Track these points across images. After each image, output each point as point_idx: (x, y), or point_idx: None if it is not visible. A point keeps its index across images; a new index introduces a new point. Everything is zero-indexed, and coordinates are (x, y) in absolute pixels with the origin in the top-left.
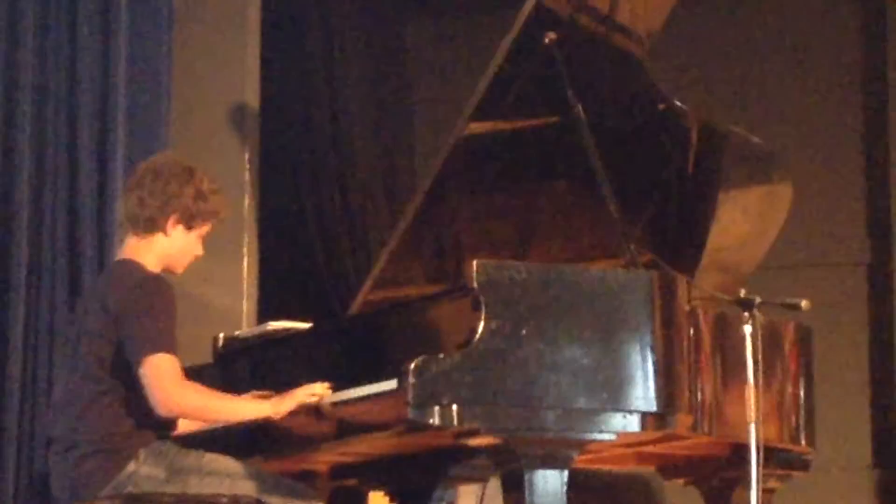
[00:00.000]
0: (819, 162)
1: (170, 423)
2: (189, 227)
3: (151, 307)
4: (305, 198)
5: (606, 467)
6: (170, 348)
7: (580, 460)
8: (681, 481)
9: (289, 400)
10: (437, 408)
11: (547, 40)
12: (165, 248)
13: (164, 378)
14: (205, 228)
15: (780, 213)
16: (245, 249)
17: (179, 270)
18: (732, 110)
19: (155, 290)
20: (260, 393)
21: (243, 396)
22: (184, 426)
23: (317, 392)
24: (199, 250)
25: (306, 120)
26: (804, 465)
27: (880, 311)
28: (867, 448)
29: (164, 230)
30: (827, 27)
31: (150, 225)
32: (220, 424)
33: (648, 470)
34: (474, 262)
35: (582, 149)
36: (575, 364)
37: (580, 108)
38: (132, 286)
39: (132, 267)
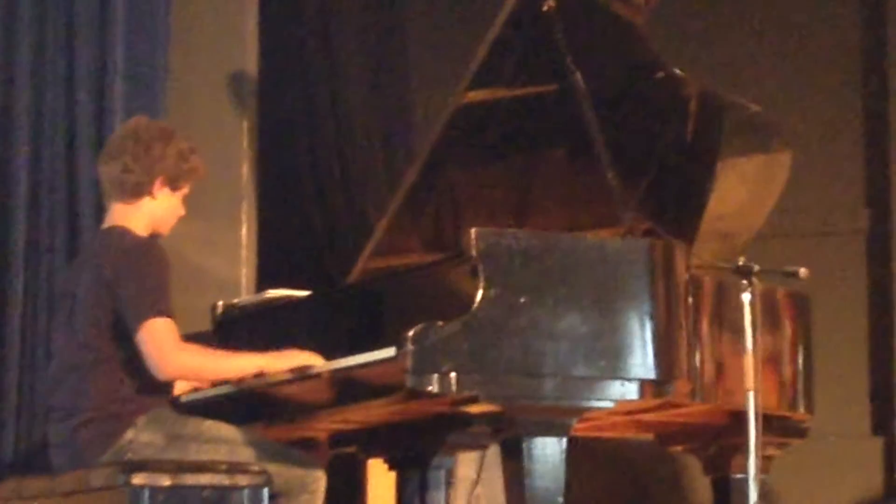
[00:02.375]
0: (817, 130)
1: (169, 389)
2: (174, 189)
3: (145, 272)
4: (303, 166)
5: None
6: (165, 312)
7: (582, 429)
8: (679, 448)
9: (286, 358)
10: (435, 375)
11: (545, 7)
12: (153, 211)
13: (161, 342)
14: (186, 188)
15: (779, 181)
16: (244, 217)
17: (166, 232)
18: (730, 80)
19: (147, 254)
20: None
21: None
22: (181, 387)
23: (314, 362)
24: (182, 211)
25: (304, 88)
26: (802, 433)
27: (879, 279)
28: (866, 416)
29: (151, 194)
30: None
31: (137, 190)
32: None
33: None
34: (472, 231)
35: (580, 117)
36: (573, 332)
37: (578, 75)
38: (124, 252)
39: (122, 233)
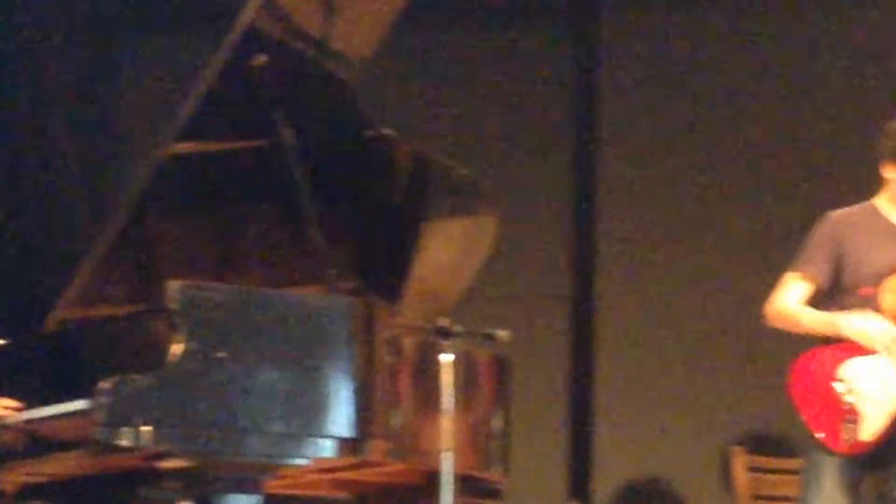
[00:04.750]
0: (524, 195)
1: None
2: None
3: None
4: (4, 212)
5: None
6: None
7: (279, 486)
8: None
9: None
10: (128, 428)
11: (257, 62)
12: None
13: None
14: None
15: (485, 244)
16: None
17: None
18: (442, 141)
19: None
20: None
21: None
22: None
23: (4, 409)
24: None
25: (7, 130)
26: (496, 495)
27: (580, 344)
28: (564, 479)
29: None
30: (539, 63)
31: None
32: None
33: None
34: (173, 283)
35: (288, 173)
36: (271, 388)
37: (288, 131)
38: None
39: None
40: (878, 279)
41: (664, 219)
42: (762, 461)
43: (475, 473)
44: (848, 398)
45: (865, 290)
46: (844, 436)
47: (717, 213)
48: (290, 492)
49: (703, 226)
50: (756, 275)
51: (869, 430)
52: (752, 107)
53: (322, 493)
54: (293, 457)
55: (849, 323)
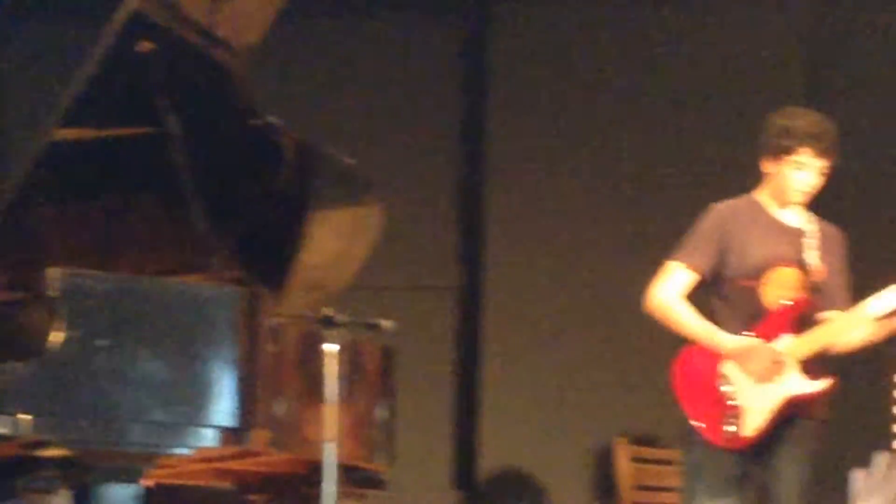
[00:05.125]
0: (411, 186)
1: None
2: None
3: None
4: None
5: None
6: None
7: (162, 476)
8: (259, 498)
9: None
10: (7, 417)
11: (141, 48)
12: None
13: None
14: None
15: (371, 234)
16: None
17: None
18: (328, 130)
19: None
20: None
21: None
22: None
23: None
24: None
25: None
26: (381, 484)
27: (466, 335)
28: (448, 469)
29: None
30: (427, 52)
31: None
32: None
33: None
34: (52, 270)
35: (173, 161)
36: (153, 377)
37: (173, 119)
38: None
39: None
40: (758, 272)
41: (552, 211)
42: (645, 452)
43: (359, 464)
44: (730, 393)
45: (746, 283)
46: (726, 430)
47: (603, 206)
48: (172, 482)
49: (591, 218)
50: (641, 268)
51: (750, 425)
52: (641, 99)
53: (205, 482)
54: (174, 446)
55: (729, 345)
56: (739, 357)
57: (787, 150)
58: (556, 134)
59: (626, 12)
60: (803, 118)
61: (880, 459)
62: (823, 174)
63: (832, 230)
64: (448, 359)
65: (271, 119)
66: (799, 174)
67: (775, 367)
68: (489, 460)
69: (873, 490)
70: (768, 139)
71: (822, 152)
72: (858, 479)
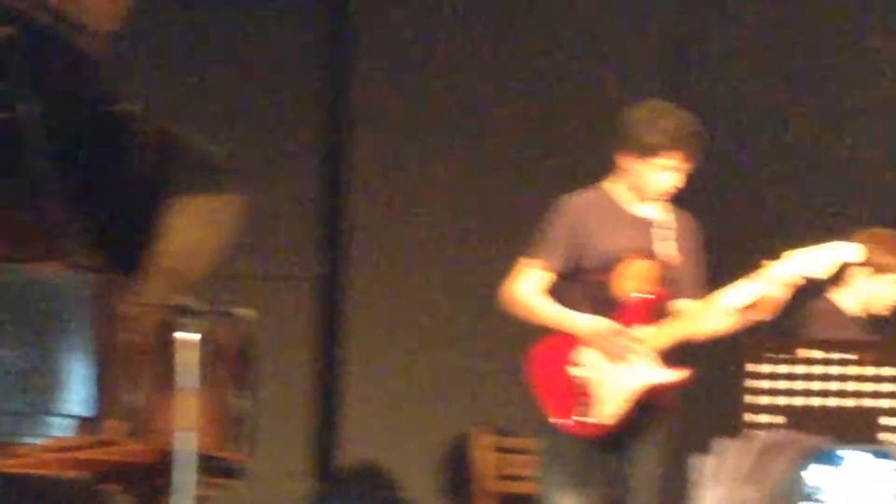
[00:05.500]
0: (273, 175)
1: None
2: None
3: None
4: None
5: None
6: None
7: (16, 465)
8: (113, 488)
9: None
10: None
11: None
12: None
13: None
14: None
15: (231, 223)
16: None
17: None
18: (189, 118)
19: None
20: None
21: None
22: None
23: None
24: None
25: None
26: (239, 474)
27: (326, 324)
28: (309, 460)
29: None
30: (289, 40)
31: None
32: None
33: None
34: None
35: (28, 148)
36: (4, 365)
37: (29, 105)
38: None
39: None
40: (611, 265)
41: (413, 201)
42: (506, 442)
43: (216, 453)
44: (583, 382)
45: (599, 276)
46: (579, 418)
47: (465, 198)
48: (26, 471)
49: (452, 210)
50: (502, 260)
51: (604, 413)
52: (503, 91)
53: (60, 472)
54: (26, 435)
55: (586, 327)
56: (596, 338)
57: (653, 152)
58: (420, 123)
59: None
60: (672, 119)
61: (723, 446)
62: (686, 175)
63: (686, 218)
64: (308, 348)
65: (131, 106)
66: (663, 175)
67: (630, 346)
68: (348, 450)
69: (718, 476)
70: (630, 135)
71: (689, 157)
72: (700, 465)
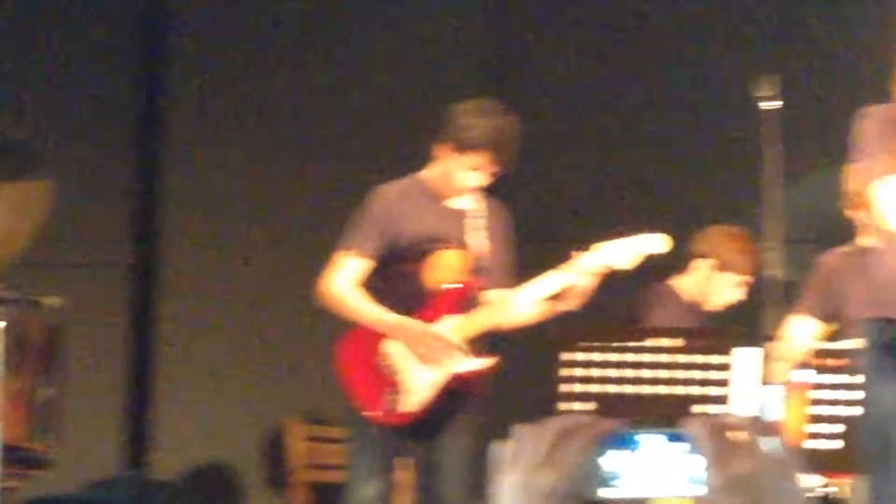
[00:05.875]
0: (84, 160)
1: None
2: None
3: None
4: None
5: None
6: None
7: None
8: None
9: None
10: None
11: None
12: None
13: None
14: None
15: (39, 209)
16: None
17: None
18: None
19: None
20: None
21: None
22: None
23: None
24: None
25: None
26: (45, 464)
27: (140, 314)
28: (121, 450)
29: None
30: (104, 22)
31: None
32: None
33: None
34: None
35: None
36: None
37: None
38: None
39: None
40: (420, 255)
41: (229, 189)
42: (318, 431)
43: (20, 443)
44: (391, 370)
45: (409, 266)
46: (387, 407)
47: (281, 188)
48: None
49: (267, 197)
50: (316, 252)
51: (412, 401)
52: (318, 84)
53: None
54: None
55: (397, 328)
56: (407, 340)
57: (466, 149)
58: (237, 107)
59: None
60: (492, 120)
61: (521, 432)
62: (494, 176)
63: (496, 207)
64: (121, 337)
65: None
66: (470, 174)
67: (442, 349)
68: (162, 441)
69: (516, 462)
70: (451, 128)
71: (498, 161)
72: (499, 452)
